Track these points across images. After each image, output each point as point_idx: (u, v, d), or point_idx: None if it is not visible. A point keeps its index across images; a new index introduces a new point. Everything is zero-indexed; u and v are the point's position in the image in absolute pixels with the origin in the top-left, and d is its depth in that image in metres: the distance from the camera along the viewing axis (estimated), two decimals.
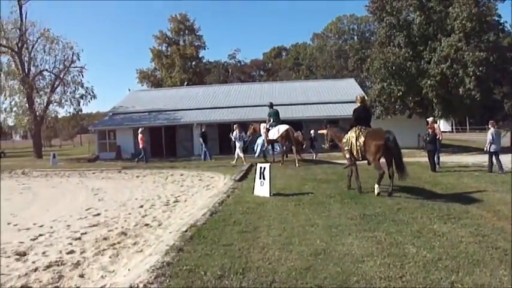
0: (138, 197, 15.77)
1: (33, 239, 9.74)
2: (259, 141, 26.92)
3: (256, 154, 27.11)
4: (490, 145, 19.11)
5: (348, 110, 39.58)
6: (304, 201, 11.62)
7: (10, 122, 49.88)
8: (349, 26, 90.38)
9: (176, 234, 8.58)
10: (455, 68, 29.88)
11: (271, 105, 25.97)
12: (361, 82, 52.82)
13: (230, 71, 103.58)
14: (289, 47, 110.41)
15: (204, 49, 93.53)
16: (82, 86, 49.23)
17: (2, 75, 46.36)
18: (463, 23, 30.04)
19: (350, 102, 41.71)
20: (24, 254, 8.57)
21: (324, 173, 17.18)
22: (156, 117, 44.15)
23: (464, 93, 29.51)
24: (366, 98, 13.87)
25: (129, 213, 12.65)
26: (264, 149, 27.01)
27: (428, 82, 30.68)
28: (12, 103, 46.40)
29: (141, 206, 13.79)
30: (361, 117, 13.32)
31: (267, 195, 12.69)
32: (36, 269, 7.48)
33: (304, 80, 66.44)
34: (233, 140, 27.32)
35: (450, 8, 31.23)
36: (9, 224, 11.80)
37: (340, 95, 45.01)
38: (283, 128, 24.10)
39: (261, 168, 13.23)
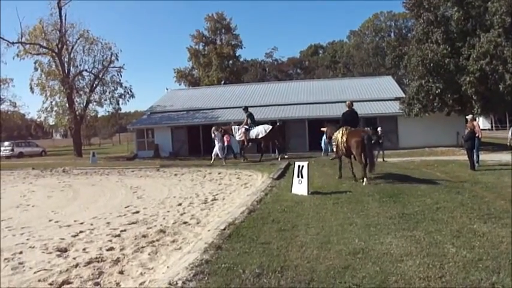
0: (176, 195, 15.92)
1: (74, 236, 9.91)
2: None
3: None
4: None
5: (386, 108, 39.41)
6: (342, 200, 11.62)
7: (51, 121, 50.66)
8: (386, 22, 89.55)
9: (214, 232, 8.66)
10: (494, 64, 29.32)
11: (246, 109, 28.22)
12: (399, 79, 52.23)
13: (267, 69, 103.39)
14: (326, 45, 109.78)
15: (241, 48, 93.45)
16: (121, 86, 49.89)
17: (43, 75, 47.18)
18: (502, 18, 29.43)
19: (388, 100, 41.53)
20: (65, 250, 8.73)
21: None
22: (194, 116, 44.32)
23: (504, 89, 28.93)
24: (353, 103, 16.86)
25: (168, 211, 12.79)
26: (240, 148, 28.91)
27: (467, 79, 30.17)
28: (53, 103, 47.17)
29: (180, 204, 13.91)
30: (348, 119, 15.99)
31: (305, 193, 12.74)
32: (77, 265, 7.59)
33: (342, 78, 66.02)
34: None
35: (489, 3, 30.64)
36: (50, 220, 12.04)
37: (377, 92, 44.55)
38: (268, 126, 26.70)
39: (299, 166, 13.27)
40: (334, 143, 16.36)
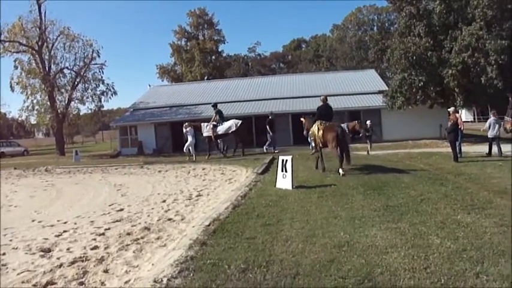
0: (160, 192, 15.82)
1: (58, 236, 9.76)
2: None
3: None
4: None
5: (369, 101, 39.62)
6: (326, 193, 11.63)
7: (32, 120, 50.53)
8: (369, 16, 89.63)
9: (199, 228, 8.60)
10: (476, 56, 29.58)
11: (215, 106, 29.09)
12: (382, 73, 52.53)
13: (250, 64, 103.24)
14: (309, 39, 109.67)
15: (224, 43, 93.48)
16: (103, 83, 49.90)
17: (23, 74, 46.86)
18: (484, 11, 29.70)
19: (371, 93, 41.77)
20: (49, 250, 8.61)
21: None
22: (177, 112, 44.25)
23: (486, 82, 29.20)
24: (327, 98, 17.73)
25: (152, 208, 12.68)
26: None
27: (450, 72, 30.40)
28: (34, 101, 47.16)
29: (164, 201, 13.80)
30: (323, 114, 16.76)
31: (290, 187, 12.71)
32: (61, 265, 7.48)
33: (325, 72, 66.14)
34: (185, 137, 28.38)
35: None
36: (33, 221, 11.86)
37: (361, 86, 44.78)
38: (238, 121, 27.54)
39: (283, 160, 13.25)
40: (311, 138, 17.40)
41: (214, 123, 27.84)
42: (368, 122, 27.66)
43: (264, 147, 30.63)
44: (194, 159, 27.20)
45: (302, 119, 20.25)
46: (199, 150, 29.27)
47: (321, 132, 16.10)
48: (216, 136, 27.81)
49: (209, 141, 28.33)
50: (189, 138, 27.62)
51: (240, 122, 27.75)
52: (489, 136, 20.77)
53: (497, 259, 5.99)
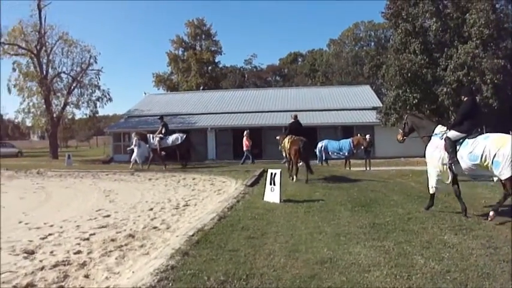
0: (148, 200, 15.81)
1: (43, 238, 9.79)
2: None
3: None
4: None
5: (363, 117, 39.66)
6: (314, 208, 11.52)
7: (28, 122, 50.86)
8: (366, 32, 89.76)
9: (183, 238, 8.54)
10: (472, 75, 29.67)
11: (161, 118, 30.00)
12: (377, 89, 52.62)
13: (246, 76, 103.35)
14: (306, 53, 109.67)
15: (221, 54, 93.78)
16: (99, 89, 50.50)
17: (21, 76, 47.06)
18: (480, 30, 29.83)
19: (365, 109, 41.86)
20: (33, 252, 8.62)
21: (336, 180, 17.15)
22: (171, 120, 44.11)
23: (481, 101, 29.27)
24: (298, 116, 20.91)
25: (139, 216, 12.65)
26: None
27: (445, 89, 30.47)
28: (30, 104, 47.54)
29: (151, 209, 13.76)
30: (293, 129, 18.97)
31: (277, 201, 12.62)
32: (42, 268, 7.50)
33: (320, 86, 66.31)
34: (132, 147, 29.05)
35: (467, 14, 31.03)
36: (20, 222, 11.91)
37: (355, 101, 44.93)
38: (183, 135, 28.76)
39: (271, 174, 13.18)
40: (283, 150, 19.42)
41: (160, 135, 28.41)
42: (367, 137, 27.59)
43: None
44: (141, 167, 28.02)
45: (277, 137, 22.04)
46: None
47: (288, 145, 18.21)
48: (162, 149, 28.41)
49: (154, 153, 28.70)
50: (135, 149, 28.17)
51: (185, 135, 28.64)
52: None
53: (482, 282, 5.90)
